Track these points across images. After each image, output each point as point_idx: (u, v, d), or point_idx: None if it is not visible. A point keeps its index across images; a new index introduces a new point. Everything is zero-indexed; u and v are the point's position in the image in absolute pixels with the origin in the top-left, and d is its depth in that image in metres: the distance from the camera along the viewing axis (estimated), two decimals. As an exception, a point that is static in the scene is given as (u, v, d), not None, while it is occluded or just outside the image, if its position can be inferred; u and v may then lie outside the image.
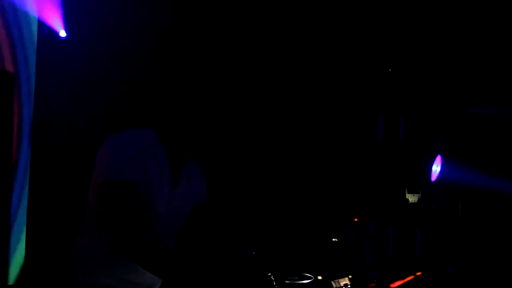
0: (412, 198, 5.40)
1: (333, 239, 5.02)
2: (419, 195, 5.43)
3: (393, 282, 4.11)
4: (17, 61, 3.41)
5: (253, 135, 5.04)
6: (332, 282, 4.13)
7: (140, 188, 1.90)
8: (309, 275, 4.38)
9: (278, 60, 5.14)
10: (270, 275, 3.72)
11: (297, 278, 4.30)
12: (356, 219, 5.12)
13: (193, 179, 2.20)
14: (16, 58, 3.40)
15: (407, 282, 4.08)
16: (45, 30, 3.65)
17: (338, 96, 5.43)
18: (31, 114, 3.53)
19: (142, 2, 4.28)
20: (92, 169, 2.02)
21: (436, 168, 5.41)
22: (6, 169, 3.29)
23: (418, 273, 4.12)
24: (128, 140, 1.95)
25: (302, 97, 5.32)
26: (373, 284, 3.98)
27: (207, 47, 4.65)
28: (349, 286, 3.82)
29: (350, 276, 4.26)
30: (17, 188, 3.40)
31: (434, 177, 5.37)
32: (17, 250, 3.45)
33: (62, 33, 3.75)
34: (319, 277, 4.40)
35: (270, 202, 5.12)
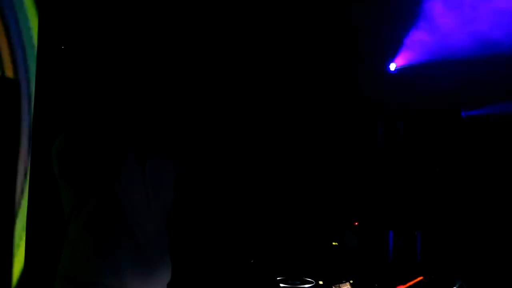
0: None
1: (333, 243, 5.01)
2: None
3: (394, 287, 4.10)
4: (17, 65, 3.39)
5: (255, 139, 5.03)
6: (334, 287, 4.12)
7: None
8: (310, 279, 4.38)
9: (279, 62, 5.14)
10: (274, 279, 3.69)
11: (298, 282, 4.30)
12: (356, 223, 5.11)
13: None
14: (16, 61, 3.39)
15: (409, 287, 4.07)
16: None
17: (338, 99, 5.42)
18: (31, 118, 3.51)
19: (138, 4, 4.28)
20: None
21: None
22: (8, 173, 3.28)
23: (420, 278, 4.11)
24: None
25: (303, 100, 5.31)
26: (375, 289, 3.97)
27: (208, 47, 4.64)
28: (350, 291, 3.81)
29: (351, 281, 4.25)
30: (17, 193, 3.39)
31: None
32: (16, 255, 3.43)
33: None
34: (321, 282, 4.39)
35: (271, 207, 5.11)
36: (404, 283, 4.08)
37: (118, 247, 1.97)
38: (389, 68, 5.38)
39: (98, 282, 1.96)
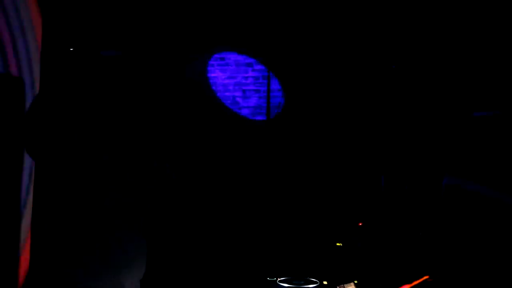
0: None
1: (337, 244, 5.01)
2: None
3: (400, 286, 4.09)
4: (21, 65, 3.40)
5: (257, 140, 5.03)
6: (338, 287, 4.11)
7: None
8: (314, 279, 4.37)
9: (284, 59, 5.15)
10: (276, 279, 3.69)
11: (303, 282, 4.29)
12: (360, 223, 5.10)
13: None
14: (20, 61, 3.39)
15: (414, 286, 4.06)
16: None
17: (339, 96, 5.42)
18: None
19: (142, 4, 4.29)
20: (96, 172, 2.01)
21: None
22: (13, 173, 3.28)
23: (426, 277, 4.10)
24: None
25: (304, 98, 5.31)
26: (380, 289, 3.96)
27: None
28: (355, 290, 3.80)
29: (356, 281, 4.24)
30: (22, 193, 3.39)
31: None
32: (22, 255, 3.43)
33: None
34: (325, 282, 4.39)
35: (275, 207, 5.11)
36: (409, 282, 4.07)
37: None
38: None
39: None
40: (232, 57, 5.28)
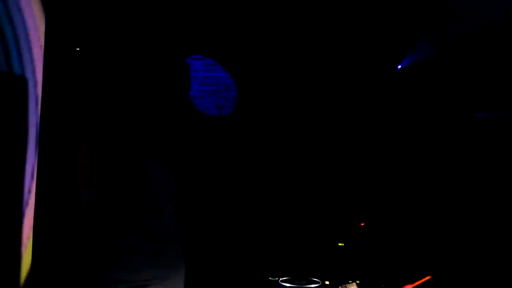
0: None
1: (339, 244, 5.01)
2: None
3: (402, 286, 4.09)
4: (24, 65, 3.40)
5: (258, 139, 5.03)
6: (340, 287, 4.11)
7: None
8: (316, 279, 4.37)
9: (284, 60, 5.15)
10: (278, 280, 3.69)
11: (304, 282, 4.29)
12: (362, 223, 5.10)
13: None
14: (23, 61, 3.39)
15: (416, 286, 4.06)
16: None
17: (342, 96, 5.42)
18: (38, 118, 3.51)
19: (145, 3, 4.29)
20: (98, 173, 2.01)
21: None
22: (15, 173, 3.28)
23: (428, 277, 4.10)
24: None
25: (306, 97, 5.31)
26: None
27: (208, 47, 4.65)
28: (357, 290, 3.80)
29: (358, 281, 4.24)
30: (24, 193, 3.39)
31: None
32: (24, 255, 3.43)
33: None
34: (327, 282, 4.39)
35: (277, 207, 5.11)
36: (411, 282, 4.07)
37: None
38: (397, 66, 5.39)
39: None
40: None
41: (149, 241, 2.09)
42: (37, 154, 3.52)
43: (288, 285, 4.24)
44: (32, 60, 3.45)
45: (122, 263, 2.04)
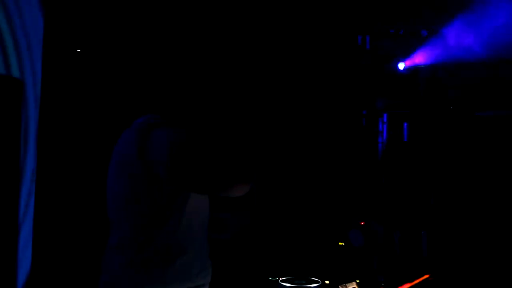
0: None
1: (340, 243, 5.01)
2: None
3: (401, 285, 4.09)
4: (23, 66, 3.41)
5: (258, 139, 5.03)
6: (340, 287, 4.12)
7: None
8: (316, 279, 4.38)
9: (285, 61, 5.15)
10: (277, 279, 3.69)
11: (304, 282, 4.30)
12: (362, 223, 5.10)
13: None
14: (22, 63, 3.40)
15: (415, 285, 4.06)
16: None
17: (342, 97, 5.42)
18: (37, 120, 3.53)
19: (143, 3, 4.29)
20: (98, 175, 2.00)
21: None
22: (13, 176, 3.29)
23: (426, 276, 4.10)
24: None
25: (305, 98, 5.32)
26: (381, 288, 3.96)
27: (207, 46, 4.66)
28: (357, 290, 3.80)
29: (357, 281, 4.25)
30: (23, 195, 3.40)
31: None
32: (24, 256, 3.45)
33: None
34: (327, 282, 4.39)
35: (276, 207, 5.11)
36: (410, 281, 4.07)
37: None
38: (398, 67, 5.39)
39: None
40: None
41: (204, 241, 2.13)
42: (36, 156, 3.53)
43: (288, 285, 4.24)
44: (31, 61, 3.47)
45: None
